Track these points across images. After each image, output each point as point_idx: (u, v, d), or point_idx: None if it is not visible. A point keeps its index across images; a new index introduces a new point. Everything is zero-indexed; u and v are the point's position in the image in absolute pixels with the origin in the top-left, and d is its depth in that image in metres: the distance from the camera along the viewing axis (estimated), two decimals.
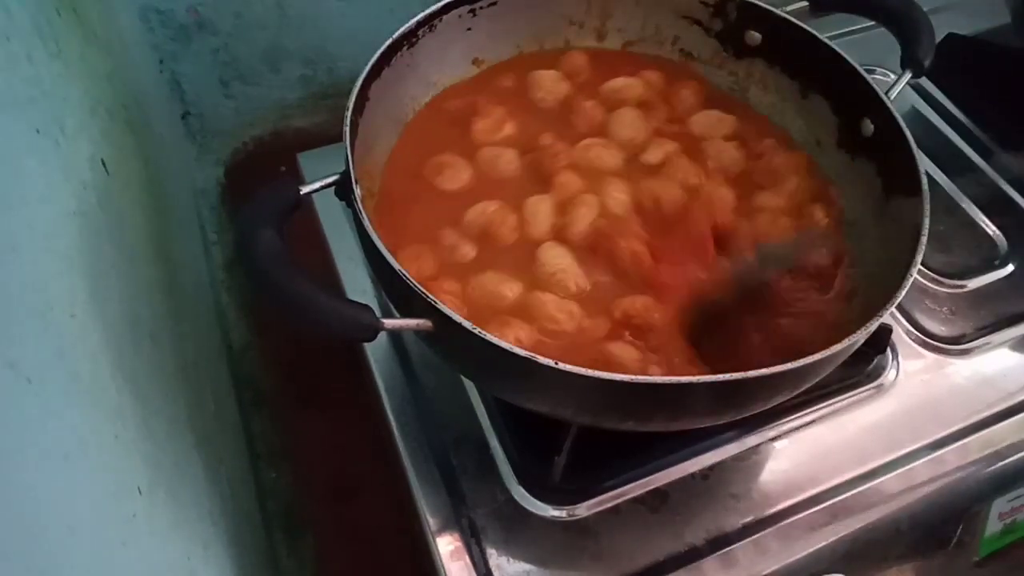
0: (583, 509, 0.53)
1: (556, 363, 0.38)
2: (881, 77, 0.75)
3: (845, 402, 0.59)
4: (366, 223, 0.43)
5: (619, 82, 0.60)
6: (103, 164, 0.45)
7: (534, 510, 0.52)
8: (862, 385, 0.59)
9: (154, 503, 0.39)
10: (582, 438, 0.51)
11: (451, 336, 0.40)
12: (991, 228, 0.70)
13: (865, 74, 0.54)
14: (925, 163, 0.50)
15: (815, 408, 0.58)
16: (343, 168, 0.45)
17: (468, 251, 0.51)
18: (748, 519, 0.53)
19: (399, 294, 0.43)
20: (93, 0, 0.53)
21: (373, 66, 0.50)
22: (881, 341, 0.57)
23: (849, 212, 0.55)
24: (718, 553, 0.52)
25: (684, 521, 0.53)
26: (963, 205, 0.71)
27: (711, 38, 0.62)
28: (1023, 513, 0.59)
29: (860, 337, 0.42)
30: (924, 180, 0.49)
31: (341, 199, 0.46)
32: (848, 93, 0.55)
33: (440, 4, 0.55)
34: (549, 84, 0.60)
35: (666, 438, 0.56)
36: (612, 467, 0.54)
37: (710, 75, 0.63)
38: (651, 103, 0.60)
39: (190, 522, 0.44)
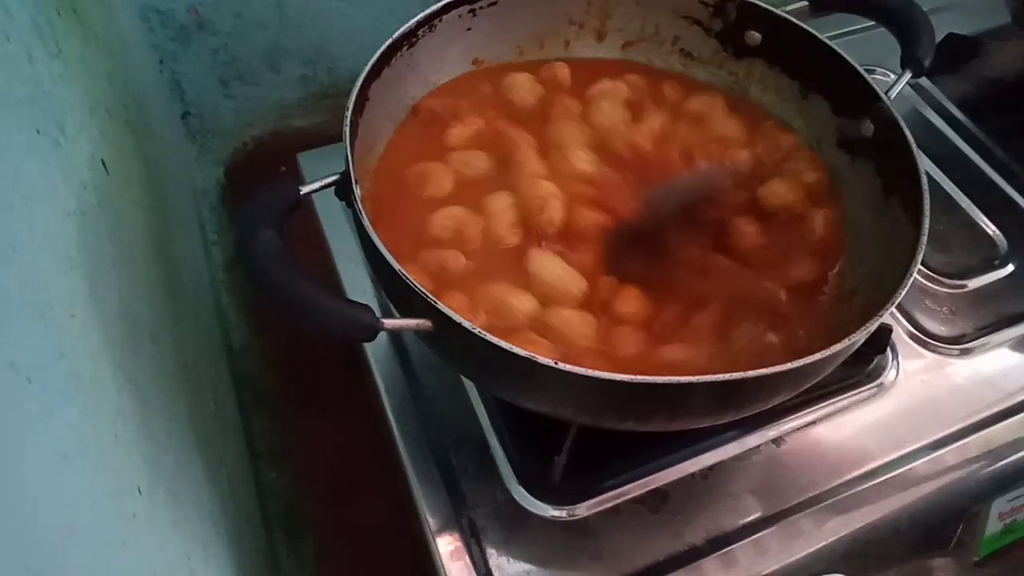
0: (583, 509, 0.53)
1: (556, 363, 0.38)
2: (881, 77, 0.75)
3: (845, 402, 0.59)
4: (366, 223, 0.43)
5: (605, 84, 0.60)
6: (103, 164, 0.45)
7: (534, 510, 0.52)
8: (862, 385, 0.59)
9: (154, 503, 0.39)
10: (582, 438, 0.51)
11: (451, 336, 0.40)
12: (991, 228, 0.70)
13: (865, 74, 0.54)
14: (925, 163, 0.50)
15: (815, 408, 0.58)
16: (343, 168, 0.45)
17: (457, 259, 0.50)
18: (748, 519, 0.53)
19: (399, 294, 0.43)
20: (93, 0, 0.53)
21: (373, 66, 0.50)
22: (881, 341, 0.57)
23: (849, 212, 0.55)
24: (718, 553, 0.52)
25: (684, 521, 0.53)
26: (963, 205, 0.71)
27: (711, 38, 0.62)
28: (1023, 513, 0.59)
29: (860, 337, 0.42)
30: (924, 180, 0.49)
31: (341, 199, 0.46)
32: (848, 93, 0.55)
33: (440, 4, 0.55)
34: (527, 86, 0.60)
35: (666, 438, 0.56)
36: (612, 467, 0.54)
37: (710, 75, 0.63)
38: (639, 102, 0.60)
39: (190, 522, 0.44)
